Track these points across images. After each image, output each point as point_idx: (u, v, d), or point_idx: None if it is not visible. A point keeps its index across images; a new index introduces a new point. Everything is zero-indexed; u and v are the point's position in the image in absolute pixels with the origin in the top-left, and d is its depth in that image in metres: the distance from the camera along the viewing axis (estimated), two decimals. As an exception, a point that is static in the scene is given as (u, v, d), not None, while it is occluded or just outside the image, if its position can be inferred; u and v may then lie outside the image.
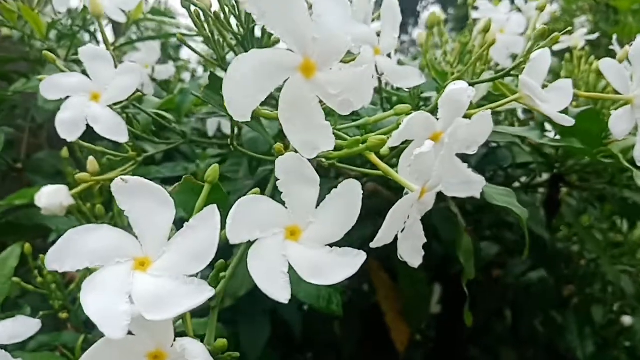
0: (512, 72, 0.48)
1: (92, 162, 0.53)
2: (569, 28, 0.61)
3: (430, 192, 0.36)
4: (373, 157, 0.36)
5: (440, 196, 0.38)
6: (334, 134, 0.31)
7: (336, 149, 0.36)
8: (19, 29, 0.71)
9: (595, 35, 1.10)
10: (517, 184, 0.81)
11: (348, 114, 0.30)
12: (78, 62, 0.67)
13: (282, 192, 0.30)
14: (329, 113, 0.31)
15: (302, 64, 0.29)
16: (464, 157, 0.41)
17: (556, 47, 1.18)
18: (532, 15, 0.97)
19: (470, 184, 0.41)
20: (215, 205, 0.29)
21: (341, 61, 0.29)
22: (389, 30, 0.48)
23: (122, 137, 0.48)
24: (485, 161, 0.80)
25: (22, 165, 0.82)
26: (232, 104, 0.29)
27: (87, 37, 0.85)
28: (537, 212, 0.74)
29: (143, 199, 0.29)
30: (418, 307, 0.97)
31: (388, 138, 0.35)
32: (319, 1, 0.28)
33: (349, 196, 0.31)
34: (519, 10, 0.97)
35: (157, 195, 0.29)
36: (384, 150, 0.40)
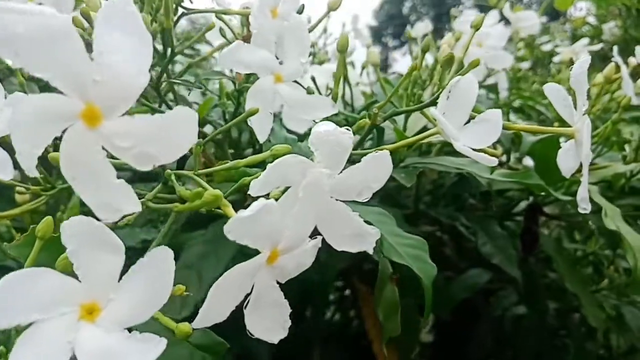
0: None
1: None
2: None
3: (291, 254, 0.30)
4: (227, 211, 0.31)
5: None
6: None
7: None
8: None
9: (599, 46, 1.01)
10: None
11: (149, 169, 0.25)
12: None
13: (73, 263, 0.25)
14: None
15: (83, 111, 0.24)
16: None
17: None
18: (523, 25, 0.89)
19: (363, 237, 0.35)
20: (166, 247, 0.26)
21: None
22: (294, 54, 0.42)
23: (5, 175, 0.43)
24: (459, 187, 0.73)
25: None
26: (20, 155, 0.24)
27: None
28: (506, 246, 0.66)
29: (90, 240, 0.25)
30: (408, 336, 0.89)
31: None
32: (100, 35, 0.23)
33: (159, 267, 0.26)
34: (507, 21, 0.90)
35: (105, 237, 0.26)
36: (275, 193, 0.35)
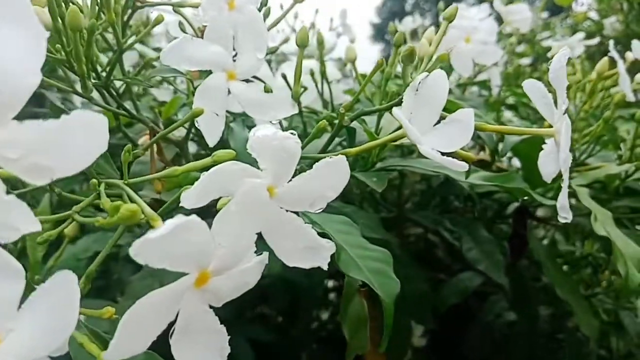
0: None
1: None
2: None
3: (227, 275, 0.27)
4: (156, 225, 0.27)
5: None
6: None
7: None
8: None
9: (596, 41, 0.97)
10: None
11: (46, 183, 0.22)
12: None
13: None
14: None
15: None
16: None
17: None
18: (514, 19, 0.85)
19: (316, 251, 0.32)
20: (69, 271, 0.22)
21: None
22: (249, 49, 0.39)
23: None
24: (445, 189, 0.70)
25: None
26: None
27: None
28: (493, 251, 0.63)
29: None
30: (398, 340, 0.86)
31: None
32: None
33: (63, 292, 0.23)
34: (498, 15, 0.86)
35: (2, 261, 0.23)
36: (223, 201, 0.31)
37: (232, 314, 0.35)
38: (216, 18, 0.38)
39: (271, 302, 0.95)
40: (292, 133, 0.29)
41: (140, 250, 0.22)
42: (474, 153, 0.79)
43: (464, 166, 0.34)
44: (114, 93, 0.43)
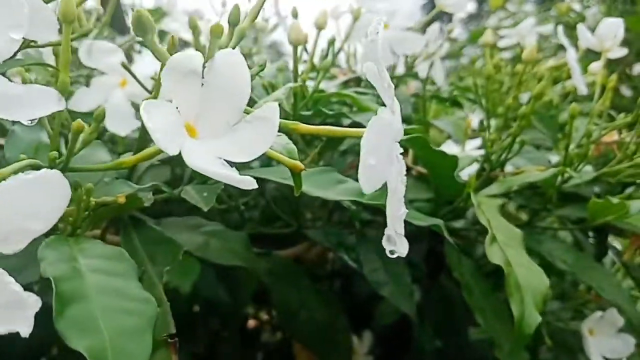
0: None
1: None
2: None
3: None
4: None
5: None
6: None
7: None
8: None
9: (547, 27, 0.87)
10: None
11: None
12: None
13: None
14: None
15: None
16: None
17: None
18: (448, 3, 0.76)
19: (14, 311, 0.22)
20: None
21: None
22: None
23: None
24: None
25: None
26: None
27: None
28: (401, 275, 0.53)
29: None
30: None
31: None
32: None
33: None
34: None
35: None
36: None
37: None
38: None
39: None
40: None
41: None
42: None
43: (249, 182, 0.24)
44: None
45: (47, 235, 0.33)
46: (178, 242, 0.35)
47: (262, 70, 0.31)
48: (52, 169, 0.30)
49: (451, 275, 0.56)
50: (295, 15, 0.59)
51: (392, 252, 0.25)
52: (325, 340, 0.56)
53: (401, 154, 0.45)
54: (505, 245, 0.39)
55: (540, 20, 1.68)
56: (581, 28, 0.63)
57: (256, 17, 0.30)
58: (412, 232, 0.54)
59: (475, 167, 0.58)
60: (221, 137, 0.27)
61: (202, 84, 0.27)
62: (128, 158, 0.29)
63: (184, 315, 0.71)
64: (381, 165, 0.24)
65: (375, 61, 0.26)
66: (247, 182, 0.24)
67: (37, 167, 0.30)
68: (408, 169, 0.61)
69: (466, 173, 0.58)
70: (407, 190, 0.57)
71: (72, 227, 0.32)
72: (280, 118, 0.45)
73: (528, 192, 0.63)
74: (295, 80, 0.45)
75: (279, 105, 0.49)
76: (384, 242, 0.25)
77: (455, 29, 1.02)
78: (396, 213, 0.26)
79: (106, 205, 0.33)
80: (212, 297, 0.65)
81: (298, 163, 0.30)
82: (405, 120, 0.70)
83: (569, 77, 0.68)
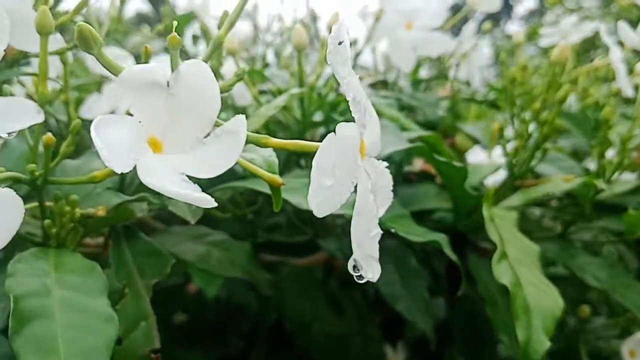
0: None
1: None
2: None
3: None
4: None
5: None
6: None
7: None
8: None
9: (593, 26, 0.81)
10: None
11: None
12: None
13: None
14: None
15: None
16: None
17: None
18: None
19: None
20: None
21: None
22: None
23: None
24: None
25: None
26: None
27: None
28: (418, 288, 0.50)
29: None
30: None
31: None
32: None
33: None
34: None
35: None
36: None
37: None
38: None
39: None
40: None
41: None
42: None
43: (207, 201, 0.23)
44: None
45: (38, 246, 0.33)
46: (167, 255, 0.35)
47: (240, 80, 0.29)
48: (32, 181, 0.31)
49: (476, 289, 0.53)
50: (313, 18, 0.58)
51: (359, 277, 0.23)
52: (340, 353, 0.55)
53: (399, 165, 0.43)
54: (517, 263, 0.36)
55: (600, 17, 1.59)
56: (622, 26, 0.58)
57: (233, 26, 0.29)
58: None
59: (502, 174, 0.54)
60: (189, 151, 0.26)
61: (169, 97, 0.26)
62: (99, 172, 0.28)
63: (214, 320, 0.71)
64: (339, 186, 0.22)
65: (336, 70, 0.24)
66: (205, 201, 0.23)
67: (17, 180, 0.30)
68: (432, 177, 0.60)
69: (491, 181, 0.55)
70: (428, 199, 0.55)
71: (57, 239, 0.32)
72: (290, 125, 0.43)
73: (565, 202, 0.59)
74: (301, 86, 0.44)
75: (289, 111, 0.48)
76: (349, 268, 0.24)
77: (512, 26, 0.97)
78: (365, 236, 0.24)
79: (92, 217, 0.33)
80: (243, 303, 0.65)
81: (277, 177, 0.29)
82: (433, 124, 0.68)
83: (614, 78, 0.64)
